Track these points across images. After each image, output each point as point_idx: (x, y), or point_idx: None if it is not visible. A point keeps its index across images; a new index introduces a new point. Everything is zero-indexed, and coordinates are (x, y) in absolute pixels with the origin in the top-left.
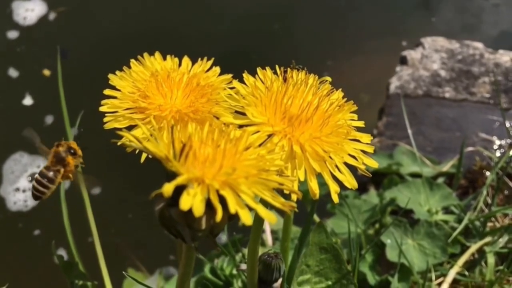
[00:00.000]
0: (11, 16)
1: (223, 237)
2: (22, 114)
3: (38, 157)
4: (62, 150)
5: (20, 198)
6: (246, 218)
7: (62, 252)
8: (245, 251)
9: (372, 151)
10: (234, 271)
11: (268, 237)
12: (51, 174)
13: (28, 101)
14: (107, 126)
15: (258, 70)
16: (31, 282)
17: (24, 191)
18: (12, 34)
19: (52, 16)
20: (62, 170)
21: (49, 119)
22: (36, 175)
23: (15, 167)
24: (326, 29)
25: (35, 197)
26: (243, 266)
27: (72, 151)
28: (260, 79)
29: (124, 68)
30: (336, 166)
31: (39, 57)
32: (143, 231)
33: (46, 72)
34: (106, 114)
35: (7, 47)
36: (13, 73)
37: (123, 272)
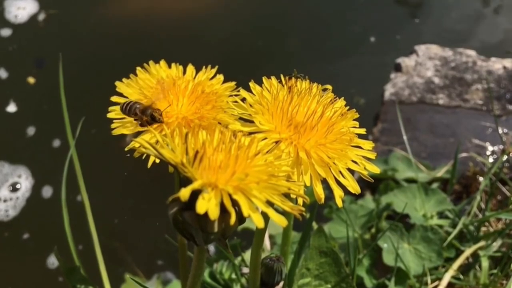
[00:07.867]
0: (3, 13)
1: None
2: (4, 122)
3: (19, 167)
4: (149, 111)
5: (1, 207)
6: (259, 222)
7: (53, 259)
8: (244, 255)
9: (374, 157)
10: (233, 275)
11: (266, 242)
12: (133, 109)
13: (12, 108)
14: (115, 132)
15: (264, 79)
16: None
17: (5, 200)
18: (4, 32)
19: (41, 16)
20: (139, 116)
21: (31, 130)
22: (129, 104)
23: None
24: (312, 39)
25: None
26: (245, 270)
27: (153, 115)
28: (266, 88)
29: (131, 75)
30: (340, 172)
31: (26, 60)
32: (132, 237)
33: (31, 80)
34: (113, 121)
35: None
36: (2, 73)
37: (128, 275)
